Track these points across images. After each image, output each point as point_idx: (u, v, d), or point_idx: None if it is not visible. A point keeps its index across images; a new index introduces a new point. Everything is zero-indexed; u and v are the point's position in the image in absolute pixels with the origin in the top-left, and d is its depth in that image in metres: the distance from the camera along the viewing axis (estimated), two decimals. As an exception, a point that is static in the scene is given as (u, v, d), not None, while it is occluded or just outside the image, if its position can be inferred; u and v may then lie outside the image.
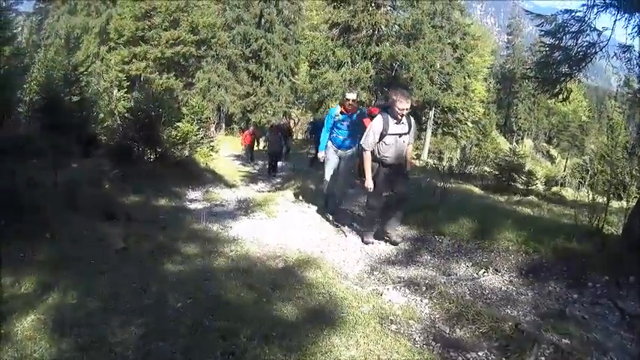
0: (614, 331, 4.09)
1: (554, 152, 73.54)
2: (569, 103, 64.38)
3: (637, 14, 6.61)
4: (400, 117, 6.10)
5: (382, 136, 6.15)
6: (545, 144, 76.53)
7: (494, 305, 4.69)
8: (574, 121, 71.71)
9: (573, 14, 7.63)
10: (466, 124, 47.94)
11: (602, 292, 4.81)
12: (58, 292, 4.09)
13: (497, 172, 18.05)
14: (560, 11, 8.07)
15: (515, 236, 6.28)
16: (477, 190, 13.71)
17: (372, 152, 6.30)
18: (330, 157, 7.75)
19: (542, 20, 8.57)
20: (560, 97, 9.86)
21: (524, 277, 5.41)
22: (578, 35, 7.75)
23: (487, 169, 20.68)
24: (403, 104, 5.99)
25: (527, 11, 9.67)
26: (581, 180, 23.48)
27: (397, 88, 6.45)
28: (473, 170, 20.02)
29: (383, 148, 6.24)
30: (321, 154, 7.93)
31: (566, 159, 62.00)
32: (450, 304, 4.53)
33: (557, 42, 8.38)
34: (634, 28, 6.98)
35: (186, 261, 5.44)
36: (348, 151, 7.70)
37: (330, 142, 7.73)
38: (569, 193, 18.63)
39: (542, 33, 8.89)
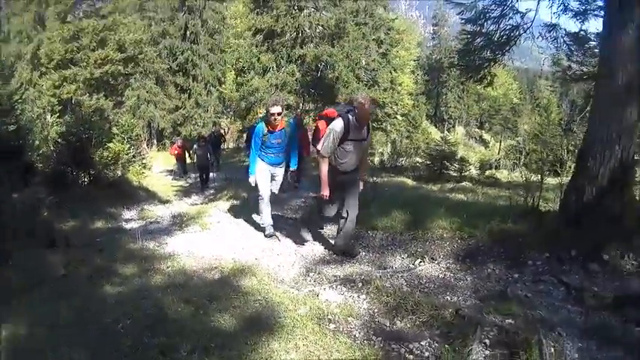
0: (561, 306, 4.17)
1: (487, 137, 75.43)
2: (499, 87, 66.20)
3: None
4: (366, 122, 5.75)
5: (341, 141, 5.73)
6: (477, 130, 78.34)
7: (432, 294, 4.72)
8: (505, 104, 73.50)
9: (494, -1, 7.69)
10: (395, 117, 48.28)
11: (544, 269, 4.90)
12: (11, 324, 4.03)
13: (429, 162, 18.36)
14: (481, -3, 8.14)
15: (449, 223, 6.38)
16: (409, 181, 14.00)
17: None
18: (263, 174, 7.19)
19: (462, 8, 8.62)
20: (485, 82, 10.00)
21: (461, 262, 5.47)
22: (500, 19, 7.85)
23: (419, 160, 20.97)
24: (370, 107, 5.63)
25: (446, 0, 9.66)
26: (515, 161, 24.04)
27: (363, 92, 6.15)
28: (405, 162, 20.33)
29: (341, 153, 5.83)
30: (252, 179, 7.27)
31: (500, 142, 63.64)
32: (387, 297, 4.54)
33: (478, 28, 8.46)
34: (559, 6, 7.07)
35: (124, 282, 5.34)
36: (281, 166, 7.33)
37: (259, 159, 7.17)
38: (504, 174, 19.04)
39: (463, 21, 8.96)
